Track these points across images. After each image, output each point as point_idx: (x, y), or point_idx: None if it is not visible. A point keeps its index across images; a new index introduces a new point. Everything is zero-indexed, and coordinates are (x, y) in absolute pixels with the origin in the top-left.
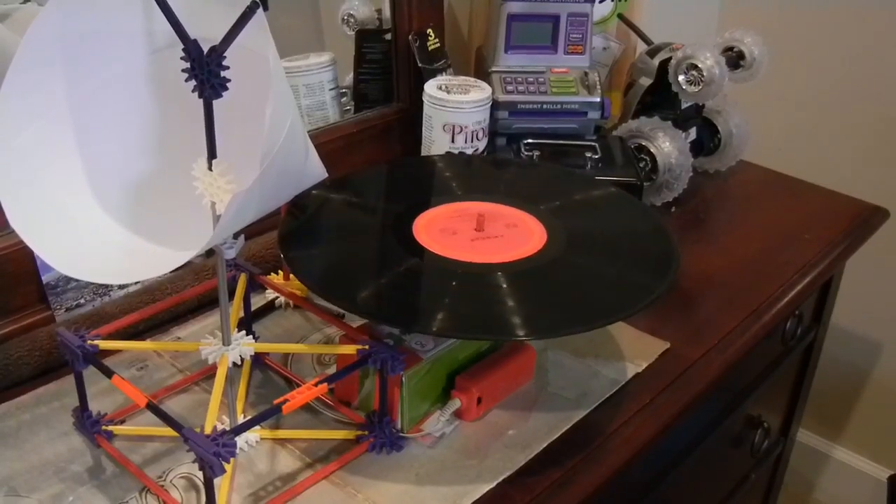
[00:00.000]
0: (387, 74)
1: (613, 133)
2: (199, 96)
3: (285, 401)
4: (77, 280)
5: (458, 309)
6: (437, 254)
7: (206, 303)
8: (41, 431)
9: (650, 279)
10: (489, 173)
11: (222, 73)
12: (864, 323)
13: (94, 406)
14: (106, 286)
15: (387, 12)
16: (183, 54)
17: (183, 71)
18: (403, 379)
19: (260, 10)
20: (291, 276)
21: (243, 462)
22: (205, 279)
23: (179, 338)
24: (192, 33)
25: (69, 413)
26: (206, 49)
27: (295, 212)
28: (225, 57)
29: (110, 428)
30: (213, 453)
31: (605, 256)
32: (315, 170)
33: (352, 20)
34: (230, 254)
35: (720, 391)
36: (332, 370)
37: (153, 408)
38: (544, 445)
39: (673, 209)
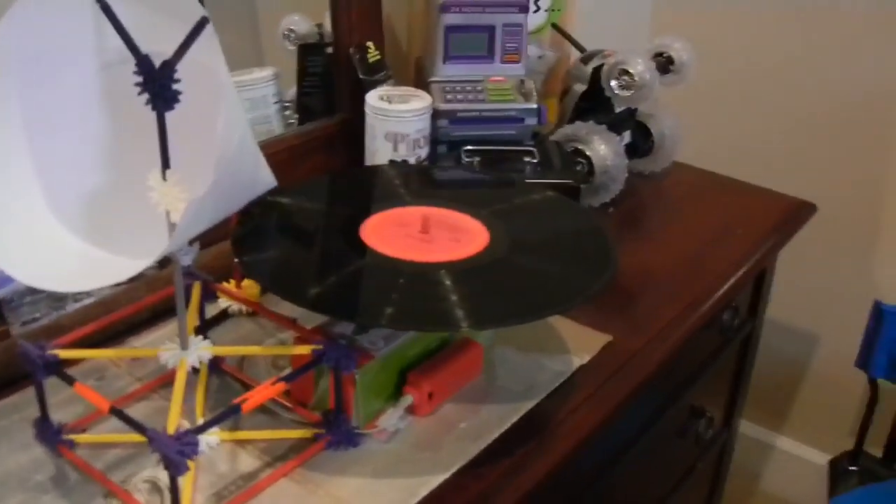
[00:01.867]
0: (329, 87)
1: (550, 138)
2: (152, 109)
3: (244, 400)
4: (32, 294)
5: (405, 303)
6: (385, 254)
7: (161, 313)
8: (2, 444)
9: (588, 276)
10: (433, 180)
11: (174, 87)
12: (799, 315)
13: (55, 416)
14: (61, 299)
15: (328, 26)
16: (134, 69)
17: (136, 84)
18: (357, 376)
19: (210, 25)
20: (243, 283)
21: (204, 463)
22: (158, 290)
23: (136, 347)
24: (143, 48)
25: (29, 424)
26: (157, 63)
27: (247, 217)
28: (176, 70)
29: (72, 437)
30: (177, 452)
31: (546, 256)
32: (265, 178)
33: (292, 35)
34: (186, 260)
35: (663, 381)
36: (287, 373)
37: (116, 412)
38: (495, 436)
39: (610, 209)
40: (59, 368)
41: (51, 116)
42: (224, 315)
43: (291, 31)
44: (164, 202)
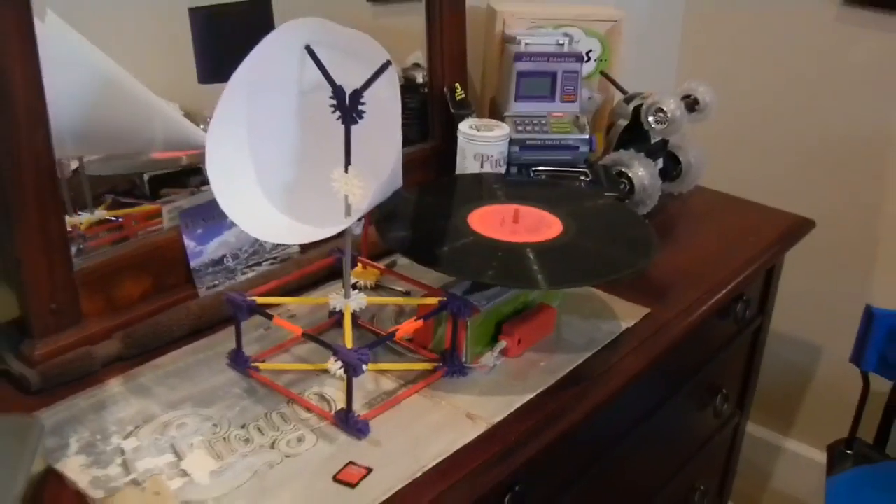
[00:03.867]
0: (420, 119)
1: (599, 163)
2: (342, 123)
3: (395, 331)
4: (214, 266)
5: (502, 268)
6: (487, 235)
7: (305, 286)
8: (203, 370)
9: (636, 257)
10: (521, 186)
11: (361, 108)
12: (802, 325)
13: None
14: (233, 271)
15: (411, 71)
16: (321, 95)
17: (331, 106)
18: (468, 323)
19: (392, 66)
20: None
21: (358, 383)
22: (303, 267)
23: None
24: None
25: (221, 358)
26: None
27: (385, 207)
28: (363, 96)
29: (257, 364)
30: (357, 359)
31: (605, 242)
32: (399, 179)
33: None
34: (357, 229)
35: (685, 355)
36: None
37: (308, 336)
38: (567, 371)
39: (647, 220)
40: (261, 309)
41: (264, 124)
42: (353, 287)
43: None
44: (344, 189)
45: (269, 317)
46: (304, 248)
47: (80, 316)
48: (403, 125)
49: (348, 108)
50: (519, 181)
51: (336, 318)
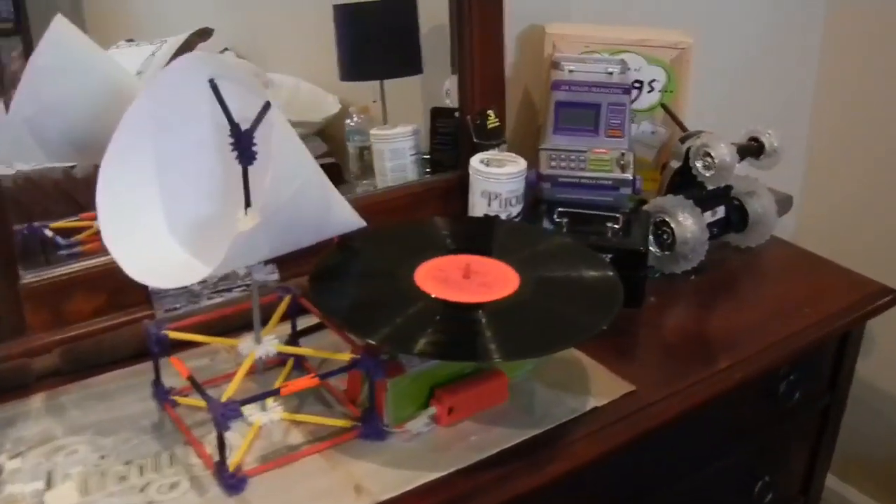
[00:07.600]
0: (457, 145)
1: (643, 208)
2: (239, 163)
3: (284, 385)
4: (176, 291)
5: (439, 336)
6: (431, 294)
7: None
8: (129, 395)
9: (600, 317)
10: (482, 233)
11: (253, 148)
12: None
13: (171, 382)
14: (198, 296)
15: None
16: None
17: (230, 144)
18: (388, 385)
19: (272, 108)
20: None
21: (264, 433)
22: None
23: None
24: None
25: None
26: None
27: (324, 258)
28: (254, 137)
29: (175, 398)
30: (221, 414)
31: (565, 298)
32: (346, 220)
33: (451, 93)
34: (259, 276)
35: (701, 434)
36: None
37: (191, 380)
38: (496, 450)
39: (692, 277)
40: (166, 344)
41: (176, 160)
42: (320, 326)
43: (449, 91)
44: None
45: (168, 353)
46: (284, 276)
47: (24, 327)
48: (437, 149)
49: (241, 147)
50: (474, 225)
51: (282, 358)
